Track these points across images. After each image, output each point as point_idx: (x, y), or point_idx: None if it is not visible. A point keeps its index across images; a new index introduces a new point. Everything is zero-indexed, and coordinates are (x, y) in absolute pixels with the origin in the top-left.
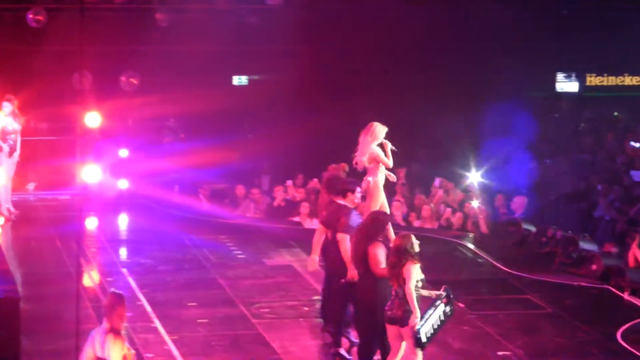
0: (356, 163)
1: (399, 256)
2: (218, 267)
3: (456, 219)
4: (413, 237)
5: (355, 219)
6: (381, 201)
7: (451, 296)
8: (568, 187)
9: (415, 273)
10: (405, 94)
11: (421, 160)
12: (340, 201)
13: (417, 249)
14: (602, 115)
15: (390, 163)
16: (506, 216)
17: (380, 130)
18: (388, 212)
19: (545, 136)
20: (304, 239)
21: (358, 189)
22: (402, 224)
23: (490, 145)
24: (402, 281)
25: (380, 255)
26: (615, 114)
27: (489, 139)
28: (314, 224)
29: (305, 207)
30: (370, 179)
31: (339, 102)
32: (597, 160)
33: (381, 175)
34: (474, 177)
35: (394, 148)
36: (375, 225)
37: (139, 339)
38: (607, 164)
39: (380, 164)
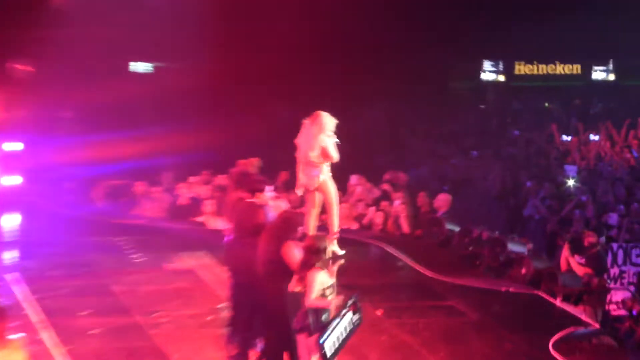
0: (305, 157)
1: (310, 257)
2: (113, 273)
3: (376, 219)
4: (327, 240)
5: (270, 218)
6: (335, 199)
7: (358, 304)
8: (495, 184)
9: (319, 282)
10: (324, 87)
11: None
12: (250, 199)
13: (329, 252)
14: (532, 107)
15: (334, 157)
16: (429, 215)
17: (328, 120)
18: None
19: (471, 129)
20: (208, 241)
21: (267, 188)
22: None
23: (411, 139)
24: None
25: (297, 255)
26: (546, 104)
27: (410, 132)
28: (219, 224)
29: (209, 206)
30: (320, 175)
31: (252, 95)
32: (527, 155)
33: (328, 172)
34: (396, 173)
35: (338, 142)
36: (286, 225)
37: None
38: (537, 159)
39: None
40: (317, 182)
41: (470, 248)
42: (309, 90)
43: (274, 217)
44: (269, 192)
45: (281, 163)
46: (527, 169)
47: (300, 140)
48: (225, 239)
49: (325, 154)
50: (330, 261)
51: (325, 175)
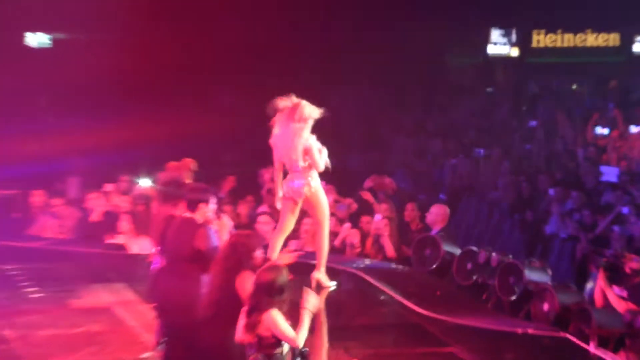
0: (291, 162)
1: (260, 299)
2: (2, 313)
3: (351, 239)
4: (284, 271)
5: (216, 240)
6: (327, 214)
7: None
8: (507, 192)
9: (280, 323)
10: (280, 67)
11: None
12: (187, 214)
13: (286, 289)
14: (555, 90)
15: (322, 165)
16: (420, 233)
17: (311, 111)
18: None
19: (475, 121)
20: (128, 270)
21: (212, 200)
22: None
23: (396, 134)
24: (260, 336)
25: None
26: (574, 87)
27: (394, 125)
28: (143, 247)
29: (130, 223)
30: (310, 183)
31: (188, 79)
32: (549, 154)
33: (317, 178)
34: (380, 179)
35: (321, 147)
36: (239, 252)
37: None
38: (562, 159)
39: (311, 162)
40: (308, 192)
41: (475, 277)
42: (263, 70)
43: (220, 240)
44: (212, 205)
45: (225, 165)
46: (550, 172)
47: (276, 140)
48: (152, 266)
49: (310, 157)
50: (310, 300)
51: (316, 182)
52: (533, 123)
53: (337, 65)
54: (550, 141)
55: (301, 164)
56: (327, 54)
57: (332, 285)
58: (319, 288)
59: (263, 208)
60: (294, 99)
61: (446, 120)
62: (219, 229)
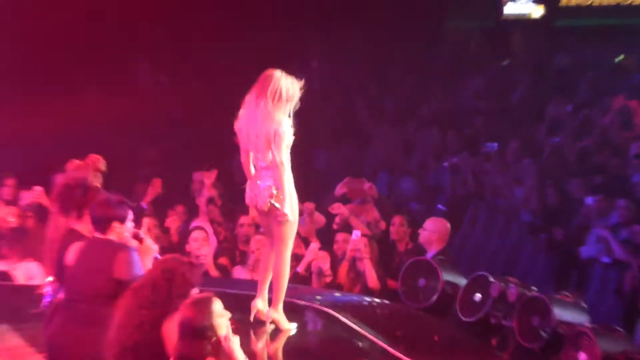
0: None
1: (190, 344)
2: None
3: (320, 264)
4: (218, 304)
5: (140, 267)
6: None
7: None
8: (530, 202)
9: None
10: (214, 34)
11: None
12: (98, 235)
13: (224, 326)
14: (592, 63)
15: (282, 161)
16: (411, 256)
17: (289, 84)
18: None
19: (485, 105)
20: (12, 307)
21: (129, 216)
22: (215, 273)
23: (379, 123)
24: None
25: None
26: (620, 57)
27: (375, 112)
28: (35, 275)
29: (14, 242)
30: (285, 184)
31: (89, 53)
32: (583, 150)
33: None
34: (356, 183)
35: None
36: (171, 285)
37: None
38: (603, 157)
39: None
40: (272, 197)
41: (486, 314)
42: (193, 47)
43: (144, 268)
44: (129, 222)
45: (146, 165)
46: (586, 175)
47: (241, 124)
48: (44, 302)
49: (273, 146)
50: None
51: (289, 185)
52: (564, 107)
53: (298, 32)
54: (585, 132)
55: (269, 155)
56: (287, 20)
57: (292, 327)
58: (275, 332)
59: (198, 222)
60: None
61: (446, 105)
62: (141, 254)
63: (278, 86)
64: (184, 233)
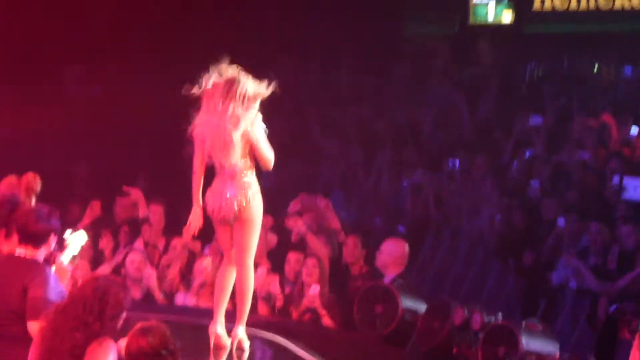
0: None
1: None
2: None
3: (270, 287)
4: (167, 332)
5: (58, 289)
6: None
7: None
8: (494, 224)
9: None
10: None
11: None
12: (21, 250)
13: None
14: (566, 73)
15: (272, 159)
16: (366, 281)
17: (255, 87)
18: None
19: (446, 118)
20: None
21: (53, 234)
22: (161, 299)
23: (327, 136)
24: None
25: None
26: (595, 68)
27: (327, 119)
28: None
29: None
30: (247, 191)
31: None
32: (554, 163)
33: (256, 184)
34: (310, 198)
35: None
36: (101, 305)
37: None
38: (577, 173)
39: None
40: (241, 204)
41: (449, 345)
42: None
43: (68, 289)
44: (53, 240)
45: (79, 182)
46: (557, 193)
47: (202, 129)
48: None
49: (254, 151)
50: None
51: (254, 191)
52: (535, 119)
53: (240, 32)
54: (558, 147)
55: (237, 162)
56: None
57: (248, 346)
58: (238, 351)
59: (137, 244)
60: (229, 71)
61: (404, 118)
62: (61, 274)
63: (245, 88)
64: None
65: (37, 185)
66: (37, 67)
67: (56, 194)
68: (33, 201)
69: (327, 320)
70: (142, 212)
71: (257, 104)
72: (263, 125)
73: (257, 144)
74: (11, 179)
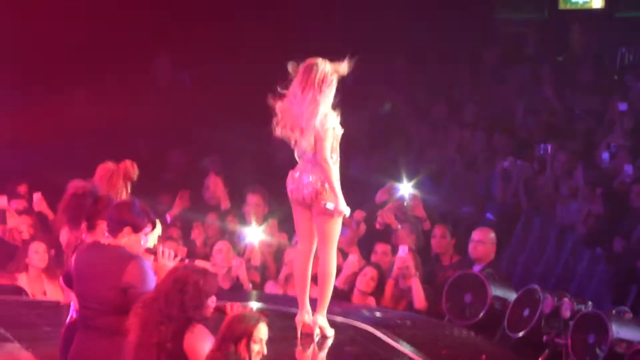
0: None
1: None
2: None
3: (364, 280)
4: (257, 319)
5: (152, 278)
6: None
7: None
8: (586, 209)
9: None
10: None
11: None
12: (108, 240)
13: (263, 344)
14: None
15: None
16: (456, 270)
17: (329, 66)
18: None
19: (537, 104)
20: (27, 321)
21: (147, 229)
22: (248, 286)
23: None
24: None
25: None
26: None
27: (413, 107)
28: (51, 292)
29: (36, 254)
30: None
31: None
32: None
33: (337, 173)
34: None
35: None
36: (184, 296)
37: None
38: None
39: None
40: (318, 187)
41: (538, 331)
42: None
43: (159, 279)
44: (147, 234)
45: (171, 170)
46: None
47: (285, 116)
48: (68, 321)
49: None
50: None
51: (336, 181)
52: (622, 106)
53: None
54: None
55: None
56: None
57: (332, 334)
58: (321, 339)
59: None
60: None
61: (493, 105)
62: (155, 269)
63: (324, 73)
64: (210, 245)
65: (135, 173)
66: (127, 56)
67: (148, 181)
68: (129, 189)
69: (418, 288)
70: (224, 204)
71: (333, 86)
72: (337, 125)
73: (322, 137)
74: (109, 165)
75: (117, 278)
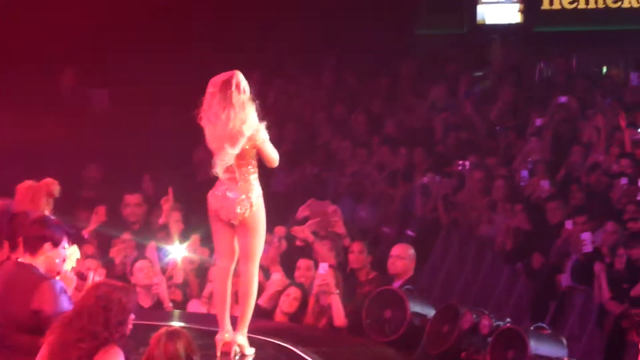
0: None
1: None
2: None
3: (288, 299)
4: (189, 337)
5: (67, 300)
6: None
7: None
8: (505, 226)
9: None
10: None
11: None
12: (24, 259)
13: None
14: (576, 73)
15: (276, 158)
16: (374, 287)
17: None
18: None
19: (455, 120)
20: None
21: (65, 242)
22: (170, 307)
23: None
24: None
25: None
26: (604, 69)
27: (335, 123)
28: None
29: None
30: (251, 196)
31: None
32: (564, 165)
33: (259, 188)
34: (319, 205)
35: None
36: (106, 313)
37: None
38: (589, 175)
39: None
40: (245, 210)
41: (457, 348)
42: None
43: (74, 298)
44: (63, 249)
45: (87, 185)
46: (567, 195)
47: (211, 131)
48: None
49: (259, 153)
50: None
51: (257, 194)
52: (537, 121)
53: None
54: (565, 148)
55: (240, 165)
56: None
57: (252, 353)
58: (240, 358)
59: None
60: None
61: (413, 120)
62: (68, 283)
63: (242, 87)
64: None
65: (56, 190)
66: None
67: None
68: (50, 207)
69: (337, 305)
70: (162, 219)
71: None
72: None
73: (262, 142)
74: (29, 183)
75: (27, 300)
